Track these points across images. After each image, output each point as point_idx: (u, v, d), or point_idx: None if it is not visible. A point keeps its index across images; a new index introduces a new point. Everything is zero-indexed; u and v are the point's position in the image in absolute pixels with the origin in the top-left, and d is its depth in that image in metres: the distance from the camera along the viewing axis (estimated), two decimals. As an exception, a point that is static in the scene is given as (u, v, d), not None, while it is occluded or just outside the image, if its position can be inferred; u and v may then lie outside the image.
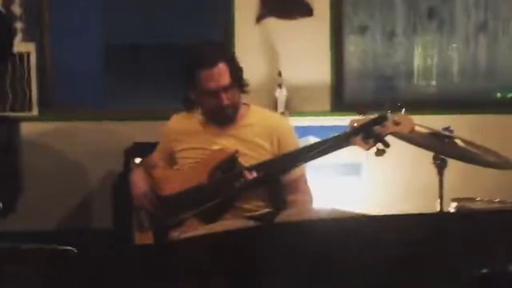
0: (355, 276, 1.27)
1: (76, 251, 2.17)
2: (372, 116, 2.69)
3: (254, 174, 2.86)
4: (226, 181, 2.92)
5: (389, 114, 2.66)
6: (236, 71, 3.05)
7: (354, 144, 2.69)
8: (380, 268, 1.28)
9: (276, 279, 1.22)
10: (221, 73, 2.98)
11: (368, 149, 2.68)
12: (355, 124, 2.71)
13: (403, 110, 2.69)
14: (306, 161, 2.89)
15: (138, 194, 3.16)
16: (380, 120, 2.66)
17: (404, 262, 1.30)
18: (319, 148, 2.78)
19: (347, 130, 2.73)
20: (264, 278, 1.22)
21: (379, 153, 2.66)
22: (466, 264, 1.40)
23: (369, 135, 2.66)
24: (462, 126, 4.25)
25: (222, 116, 3.09)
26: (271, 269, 1.22)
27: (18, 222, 4.36)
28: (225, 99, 3.01)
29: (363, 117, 2.70)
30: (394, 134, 2.73)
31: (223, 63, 2.99)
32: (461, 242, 1.35)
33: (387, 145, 2.66)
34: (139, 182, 3.20)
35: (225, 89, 3.00)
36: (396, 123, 2.66)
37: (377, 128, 2.65)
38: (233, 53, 3.19)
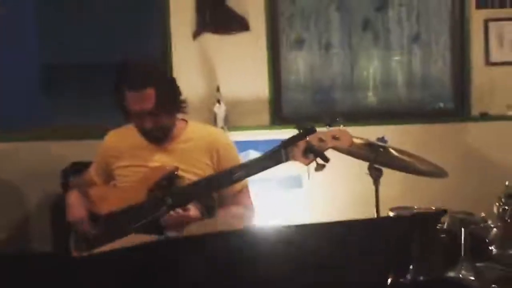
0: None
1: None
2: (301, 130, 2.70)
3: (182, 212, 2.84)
4: (159, 200, 2.88)
5: (327, 129, 2.70)
6: (166, 96, 2.99)
7: (294, 159, 2.70)
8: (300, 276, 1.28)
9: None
10: (146, 98, 2.92)
11: (308, 164, 2.70)
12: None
13: (341, 125, 2.75)
14: (244, 178, 2.89)
15: (74, 218, 3.09)
16: (311, 131, 2.67)
17: (322, 270, 1.31)
18: (258, 162, 2.79)
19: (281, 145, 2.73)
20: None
21: (319, 168, 2.68)
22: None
23: (309, 150, 2.67)
24: (399, 136, 4.35)
25: (150, 137, 3.07)
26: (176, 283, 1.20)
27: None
28: (148, 122, 2.97)
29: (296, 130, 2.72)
30: (334, 148, 2.76)
31: (151, 88, 2.92)
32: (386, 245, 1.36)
33: (326, 160, 2.68)
34: (74, 206, 3.12)
35: (149, 113, 2.96)
36: (335, 138, 2.69)
37: (316, 143, 2.67)
38: (166, 76, 3.15)
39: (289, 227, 1.27)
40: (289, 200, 4.72)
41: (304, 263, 1.27)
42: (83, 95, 6.70)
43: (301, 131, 2.70)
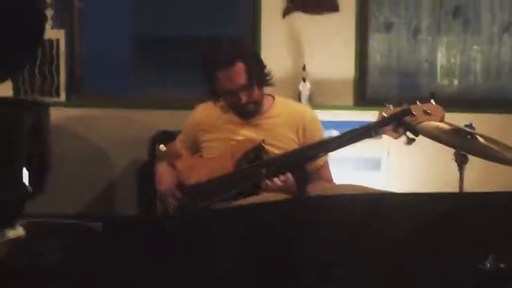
0: (380, 252, 1.30)
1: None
2: (402, 107, 2.69)
3: (283, 178, 2.87)
4: (253, 170, 2.93)
5: (419, 104, 2.67)
6: (255, 69, 3.04)
7: (384, 133, 2.71)
8: (405, 245, 1.31)
9: (305, 252, 1.25)
10: (238, 73, 2.98)
11: (397, 137, 2.69)
12: (384, 114, 2.72)
13: (433, 100, 2.69)
14: (333, 150, 2.89)
15: (163, 188, 3.19)
16: (410, 111, 2.66)
17: (426, 240, 1.33)
18: (348, 136, 2.79)
19: (376, 120, 2.74)
20: (291, 252, 1.25)
21: (409, 141, 2.67)
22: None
23: (399, 124, 2.67)
24: (483, 124, 4.30)
25: (244, 112, 3.13)
26: (300, 243, 1.25)
27: (45, 204, 4.42)
28: (243, 97, 3.03)
29: (392, 108, 2.72)
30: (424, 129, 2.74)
31: (240, 63, 2.99)
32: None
33: (416, 134, 2.67)
34: (164, 176, 3.24)
35: (243, 88, 3.02)
36: (427, 113, 2.67)
37: (407, 118, 2.66)
38: (252, 50, 3.20)
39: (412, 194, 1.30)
40: (366, 182, 4.73)
41: (422, 231, 1.30)
42: (173, 68, 6.82)
43: (399, 108, 2.69)
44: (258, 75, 3.08)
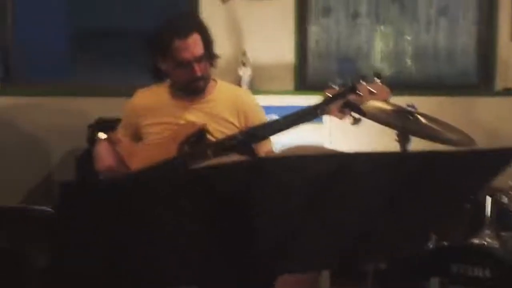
0: (350, 211, 1.28)
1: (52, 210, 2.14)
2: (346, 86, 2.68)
3: None
4: (195, 154, 2.90)
5: (364, 84, 2.66)
6: (208, 42, 3.05)
7: (329, 113, 2.69)
8: (375, 204, 1.29)
9: (270, 214, 1.23)
10: (195, 43, 2.98)
11: (342, 117, 2.68)
12: (329, 94, 2.70)
13: (378, 80, 2.68)
14: (278, 131, 2.84)
15: (103, 166, 3.09)
16: (355, 88, 2.65)
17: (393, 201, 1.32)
18: (293, 117, 2.77)
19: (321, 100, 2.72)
20: (257, 213, 1.22)
21: (356, 121, 2.66)
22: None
23: (345, 104, 2.66)
24: (421, 108, 4.35)
25: (194, 88, 3.09)
26: (264, 205, 1.22)
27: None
28: (198, 70, 3.02)
29: (336, 88, 2.70)
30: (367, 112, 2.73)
31: (197, 34, 3.00)
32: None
33: (363, 114, 2.67)
34: (104, 155, 3.13)
35: (198, 60, 3.00)
36: (372, 93, 2.66)
37: (352, 98, 2.65)
38: (205, 24, 3.17)
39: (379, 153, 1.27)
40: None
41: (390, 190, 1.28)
42: (110, 57, 6.75)
43: (343, 87, 2.68)
44: (211, 48, 3.09)
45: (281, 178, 1.15)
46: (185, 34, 2.98)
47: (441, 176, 1.28)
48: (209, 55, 3.08)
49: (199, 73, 3.03)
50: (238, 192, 1.17)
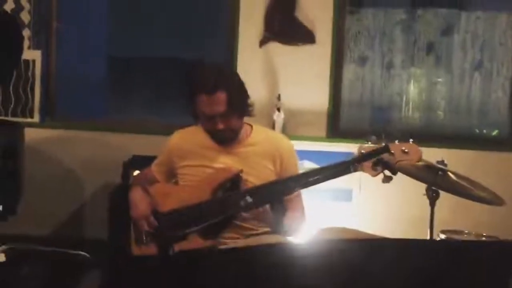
0: None
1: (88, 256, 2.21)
2: (380, 145, 2.71)
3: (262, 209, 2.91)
4: (231, 199, 2.93)
5: (397, 143, 2.71)
6: (236, 99, 3.05)
7: (362, 170, 2.72)
8: None
9: None
10: (219, 101, 2.99)
11: (375, 175, 2.71)
12: (363, 151, 2.74)
13: (411, 140, 2.72)
14: (311, 185, 2.87)
15: (137, 215, 3.15)
16: (388, 149, 2.70)
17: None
18: (326, 172, 2.81)
19: (354, 156, 2.75)
20: None
21: (386, 179, 2.69)
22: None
23: (378, 162, 2.70)
24: (453, 160, 4.37)
25: (220, 138, 3.14)
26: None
27: (17, 225, 4.37)
28: (220, 124, 3.04)
29: (371, 144, 2.75)
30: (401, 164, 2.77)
31: (222, 91, 2.99)
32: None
33: (394, 172, 2.70)
34: (139, 202, 3.20)
35: (221, 115, 3.03)
36: (405, 152, 2.69)
37: (385, 156, 2.69)
38: (236, 79, 3.17)
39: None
40: (337, 212, 4.76)
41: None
42: (147, 90, 6.83)
43: (377, 145, 2.71)
44: (239, 105, 3.09)
45: (317, 261, 1.18)
46: (211, 91, 2.99)
47: (467, 267, 1.30)
48: (239, 110, 3.09)
49: (219, 127, 3.06)
50: (275, 274, 1.19)
